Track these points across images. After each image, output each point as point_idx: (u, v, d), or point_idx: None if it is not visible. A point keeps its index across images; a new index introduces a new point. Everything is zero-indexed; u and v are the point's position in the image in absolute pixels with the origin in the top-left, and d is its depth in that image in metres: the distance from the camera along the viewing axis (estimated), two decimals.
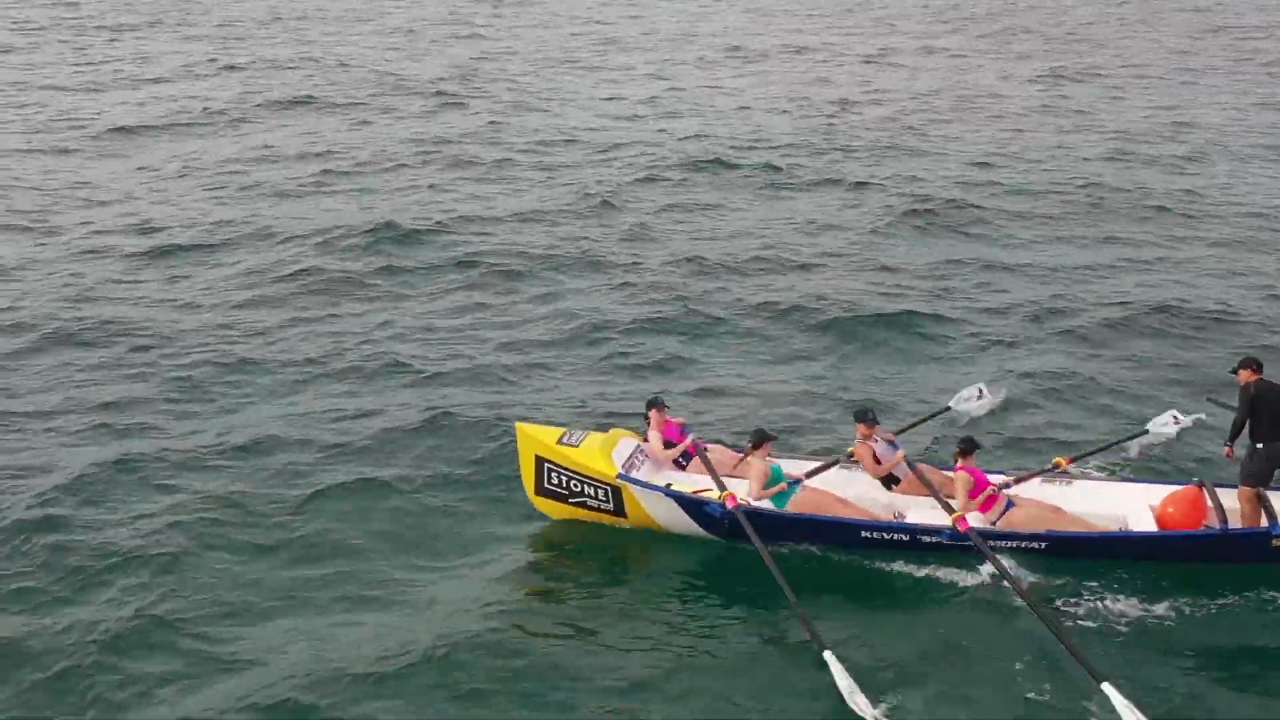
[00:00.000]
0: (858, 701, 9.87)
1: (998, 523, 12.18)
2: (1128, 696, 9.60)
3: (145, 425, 15.45)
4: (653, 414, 13.73)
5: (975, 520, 12.15)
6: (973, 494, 12.29)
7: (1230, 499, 12.25)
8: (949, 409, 15.02)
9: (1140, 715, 9.44)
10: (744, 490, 12.74)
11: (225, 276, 21.01)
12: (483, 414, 15.57)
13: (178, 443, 14.90)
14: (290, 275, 20.97)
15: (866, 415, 12.99)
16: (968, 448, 12.47)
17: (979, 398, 15.14)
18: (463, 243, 22.62)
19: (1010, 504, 12.35)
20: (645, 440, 13.68)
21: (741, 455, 13.30)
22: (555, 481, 13.21)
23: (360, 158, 29.30)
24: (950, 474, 12.65)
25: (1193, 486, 12.51)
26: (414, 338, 18.32)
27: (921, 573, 11.94)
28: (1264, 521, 11.99)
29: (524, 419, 14.14)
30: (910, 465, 13.01)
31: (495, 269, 21.29)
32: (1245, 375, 12.25)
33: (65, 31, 50.65)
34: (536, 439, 13.26)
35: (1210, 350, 17.74)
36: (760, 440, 12.75)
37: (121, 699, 10.34)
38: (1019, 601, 11.12)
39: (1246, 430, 12.13)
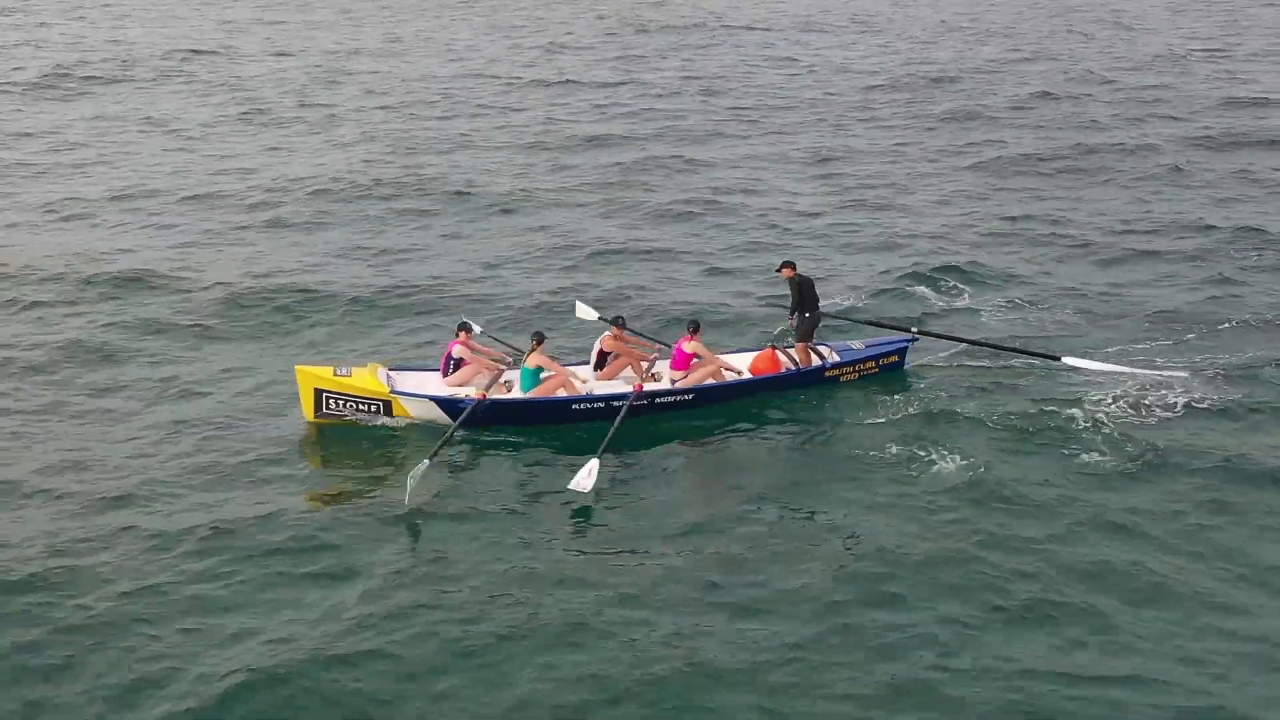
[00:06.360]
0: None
1: (678, 382, 17.85)
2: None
3: None
4: (463, 335, 17.64)
5: (652, 386, 17.68)
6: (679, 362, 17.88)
7: (792, 352, 18.80)
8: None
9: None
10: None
11: None
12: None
13: None
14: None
15: (619, 320, 18.19)
16: (695, 328, 17.92)
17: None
18: None
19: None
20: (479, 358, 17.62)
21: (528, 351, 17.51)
22: (332, 405, 17.02)
23: None
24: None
25: (769, 349, 18.89)
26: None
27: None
28: (816, 362, 18.69)
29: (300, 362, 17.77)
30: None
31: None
32: (789, 272, 18.77)
33: None
34: (315, 375, 17.00)
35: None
36: (539, 339, 17.39)
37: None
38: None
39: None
